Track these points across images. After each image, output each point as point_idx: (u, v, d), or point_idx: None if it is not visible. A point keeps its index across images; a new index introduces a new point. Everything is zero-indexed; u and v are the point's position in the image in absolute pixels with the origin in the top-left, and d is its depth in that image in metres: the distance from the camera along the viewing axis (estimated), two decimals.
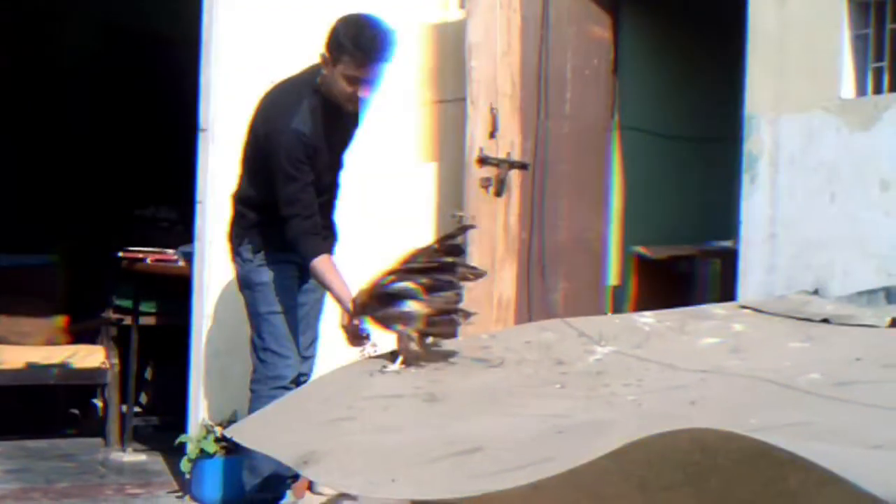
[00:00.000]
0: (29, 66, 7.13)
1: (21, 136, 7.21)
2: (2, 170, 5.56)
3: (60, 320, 6.09)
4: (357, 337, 3.91)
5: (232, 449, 4.53)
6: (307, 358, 4.28)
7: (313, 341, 4.32)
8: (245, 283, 4.20)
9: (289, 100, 4.07)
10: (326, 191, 4.23)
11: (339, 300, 3.93)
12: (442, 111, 5.35)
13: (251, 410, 4.03)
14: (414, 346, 3.17)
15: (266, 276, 4.13)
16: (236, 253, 4.22)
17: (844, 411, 2.53)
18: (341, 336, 3.96)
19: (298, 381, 4.13)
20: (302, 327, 4.23)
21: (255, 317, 4.16)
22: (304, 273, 4.19)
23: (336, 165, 4.29)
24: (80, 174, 7.40)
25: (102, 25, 7.76)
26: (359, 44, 3.93)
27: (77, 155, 7.46)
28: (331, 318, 4.30)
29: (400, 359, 3.16)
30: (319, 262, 4.00)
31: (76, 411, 6.32)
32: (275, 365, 4.12)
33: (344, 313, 3.90)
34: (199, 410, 4.91)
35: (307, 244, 4.02)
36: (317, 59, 4.05)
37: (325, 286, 4.03)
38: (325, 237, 4.24)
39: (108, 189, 7.24)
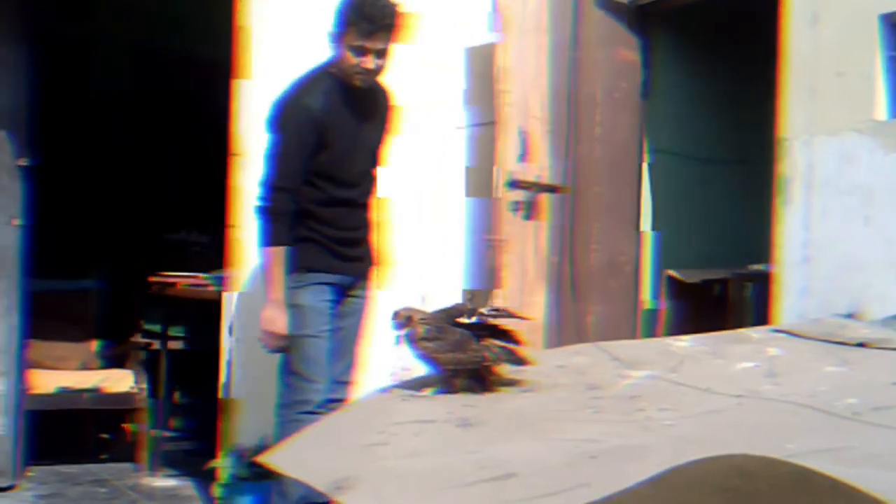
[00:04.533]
0: (62, 90, 7.16)
1: (55, 161, 7.26)
2: (38, 195, 5.59)
3: (95, 345, 6.10)
4: (276, 342, 4.01)
5: (263, 474, 4.51)
6: (343, 383, 4.22)
7: (350, 366, 4.26)
8: None
9: (303, 84, 4.11)
10: (354, 185, 4.19)
11: (269, 299, 4.00)
12: (473, 134, 5.34)
13: (277, 435, 4.01)
14: (460, 382, 3.12)
15: (299, 298, 4.07)
16: None
17: (882, 436, 2.49)
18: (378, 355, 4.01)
19: (331, 406, 4.10)
20: (339, 352, 4.19)
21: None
22: (342, 296, 4.18)
23: (369, 159, 4.24)
24: (113, 198, 7.44)
25: (134, 48, 7.80)
26: (363, 13, 3.98)
27: (110, 179, 7.50)
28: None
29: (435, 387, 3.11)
30: (275, 252, 4.01)
31: (107, 436, 6.32)
32: (301, 389, 4.08)
33: (267, 315, 4.00)
34: (230, 435, 4.90)
35: (276, 227, 4.01)
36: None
37: (265, 276, 4.04)
38: (361, 255, 4.22)
39: (140, 214, 7.27)
